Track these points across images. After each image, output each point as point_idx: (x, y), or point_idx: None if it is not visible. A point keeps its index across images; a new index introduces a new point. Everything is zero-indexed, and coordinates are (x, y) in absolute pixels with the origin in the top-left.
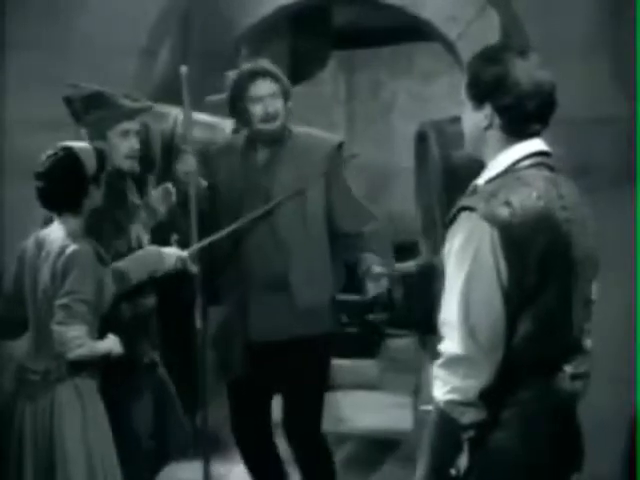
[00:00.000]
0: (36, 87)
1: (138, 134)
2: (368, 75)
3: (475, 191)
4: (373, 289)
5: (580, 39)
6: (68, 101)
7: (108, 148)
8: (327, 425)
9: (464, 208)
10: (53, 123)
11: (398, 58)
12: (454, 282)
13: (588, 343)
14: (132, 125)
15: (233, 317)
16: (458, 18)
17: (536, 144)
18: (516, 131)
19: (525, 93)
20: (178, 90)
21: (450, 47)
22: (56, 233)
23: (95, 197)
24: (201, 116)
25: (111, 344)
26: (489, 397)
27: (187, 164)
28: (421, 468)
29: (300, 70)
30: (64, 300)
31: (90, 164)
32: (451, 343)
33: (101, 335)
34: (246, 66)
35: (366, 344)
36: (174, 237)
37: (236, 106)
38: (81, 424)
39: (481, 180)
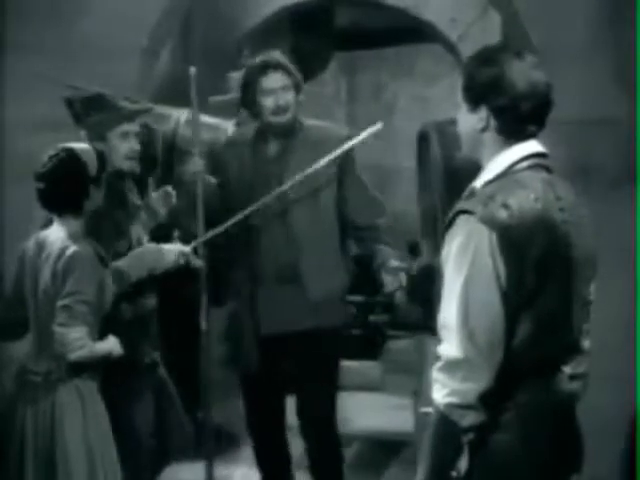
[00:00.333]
0: (37, 88)
1: (138, 136)
2: (370, 76)
3: (473, 194)
4: (391, 284)
5: (580, 40)
6: (69, 103)
7: (108, 149)
8: None
9: (462, 212)
10: (54, 124)
11: (400, 59)
12: (453, 285)
13: (586, 344)
14: (132, 127)
15: (244, 310)
16: (459, 20)
17: (533, 146)
18: (512, 133)
19: (521, 94)
20: (180, 91)
21: (451, 49)
22: (56, 234)
23: (95, 198)
24: (203, 117)
25: (111, 345)
26: (489, 400)
27: (194, 165)
28: (422, 470)
29: (301, 71)
30: (65, 301)
31: (92, 165)
32: (450, 346)
33: (101, 336)
34: (258, 58)
35: (368, 345)
36: (176, 233)
37: (247, 98)
38: (82, 425)
39: (478, 183)
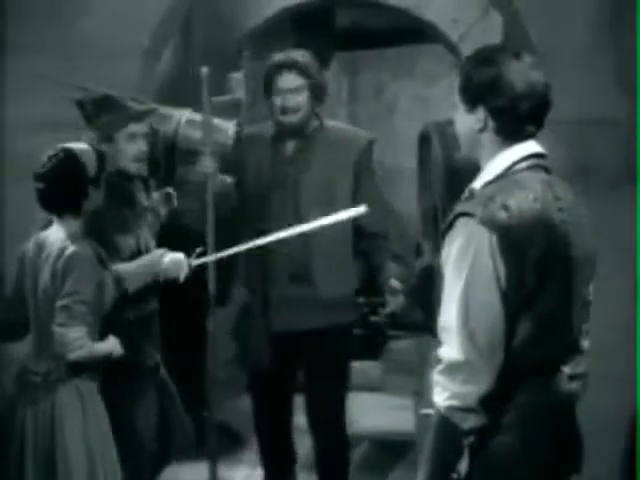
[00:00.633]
0: (37, 88)
1: (146, 137)
2: (371, 76)
3: (472, 196)
4: (392, 304)
5: (581, 40)
6: (80, 104)
7: (114, 150)
8: None
9: (461, 214)
10: (54, 124)
11: (401, 60)
12: (453, 288)
13: (586, 344)
14: (140, 128)
15: (256, 308)
16: (461, 20)
17: (531, 146)
18: (511, 133)
19: (519, 95)
20: (180, 91)
21: (452, 49)
22: (56, 235)
23: (95, 198)
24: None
25: (111, 346)
26: (489, 402)
27: (204, 166)
28: (422, 472)
29: None
30: (64, 301)
31: (91, 166)
32: (451, 349)
33: (103, 336)
34: (276, 57)
35: (369, 345)
36: (198, 249)
37: (267, 96)
38: (82, 425)
39: (477, 184)
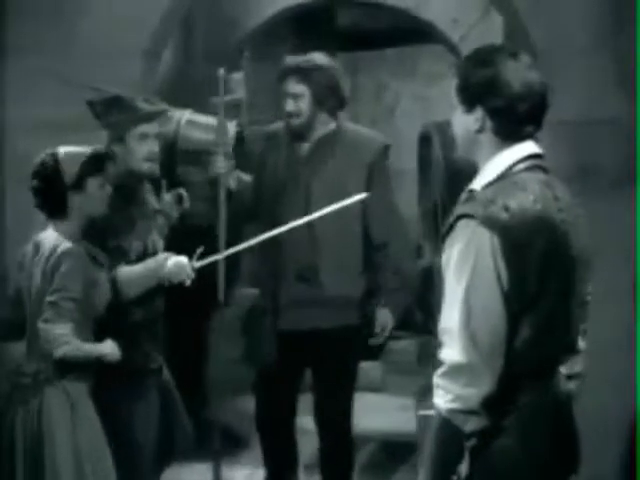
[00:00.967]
0: (38, 89)
1: (157, 137)
2: (371, 77)
3: (472, 197)
4: (379, 326)
5: (581, 41)
6: (90, 104)
7: (125, 151)
8: None
9: (462, 216)
10: (54, 125)
11: (401, 60)
12: (454, 290)
13: (582, 344)
14: (151, 128)
15: (266, 305)
16: (461, 21)
17: (530, 147)
18: (509, 134)
19: (516, 95)
20: (181, 92)
21: (453, 49)
22: (50, 235)
23: (79, 202)
24: (203, 118)
25: (105, 349)
26: (491, 404)
27: (217, 166)
28: (423, 475)
29: None
30: (52, 297)
31: (70, 171)
32: (452, 351)
33: (101, 338)
34: (286, 60)
35: (369, 346)
36: (199, 250)
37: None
38: (69, 426)
39: (477, 185)
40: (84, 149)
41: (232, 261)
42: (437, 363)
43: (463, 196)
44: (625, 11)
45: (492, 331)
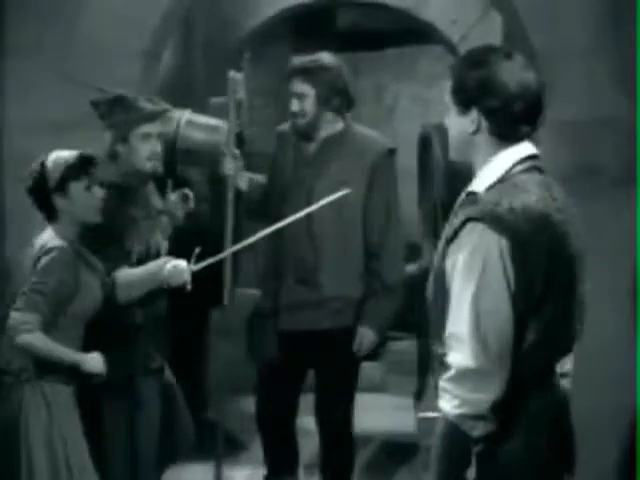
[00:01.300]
0: (37, 90)
1: (160, 137)
2: (371, 78)
3: (476, 200)
4: (358, 345)
5: (581, 41)
6: (95, 105)
7: (129, 150)
8: None
9: (469, 219)
10: (54, 125)
11: (401, 61)
12: (463, 294)
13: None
14: (153, 128)
15: (267, 305)
16: (461, 21)
17: (527, 148)
18: (505, 134)
19: (512, 95)
20: (181, 92)
21: (453, 50)
22: (46, 236)
23: (64, 205)
24: (203, 118)
25: (85, 360)
26: (500, 408)
27: (226, 167)
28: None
29: None
30: (25, 288)
31: (53, 175)
32: (461, 356)
33: (101, 340)
34: (294, 60)
35: None
36: (197, 250)
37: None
38: (45, 426)
39: (480, 187)
40: (65, 153)
41: (233, 262)
42: (435, 365)
43: (462, 198)
44: (625, 11)
45: (501, 334)
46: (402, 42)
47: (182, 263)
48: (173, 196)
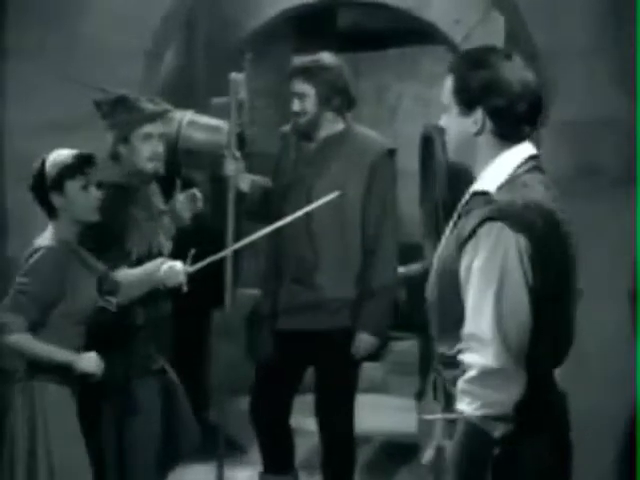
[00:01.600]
0: (38, 90)
1: (161, 137)
2: (373, 78)
3: (490, 200)
4: (357, 350)
5: (582, 41)
6: (98, 105)
7: (130, 151)
8: None
9: (487, 219)
10: (55, 126)
11: (403, 61)
12: (483, 294)
13: None
14: (155, 128)
15: (266, 303)
16: (463, 21)
17: (528, 148)
18: (508, 135)
19: (516, 94)
20: (183, 93)
21: (455, 50)
22: (44, 236)
23: (61, 204)
24: (205, 118)
25: (78, 360)
26: (522, 408)
27: (228, 168)
28: None
29: None
30: (11, 290)
31: (51, 174)
32: (482, 356)
33: (101, 341)
34: (294, 60)
35: None
36: (192, 251)
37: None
38: (28, 428)
39: (492, 187)
40: (63, 151)
41: (234, 262)
42: (436, 365)
43: (467, 198)
44: (625, 11)
45: (522, 333)
46: (404, 42)
47: (178, 264)
48: (181, 196)
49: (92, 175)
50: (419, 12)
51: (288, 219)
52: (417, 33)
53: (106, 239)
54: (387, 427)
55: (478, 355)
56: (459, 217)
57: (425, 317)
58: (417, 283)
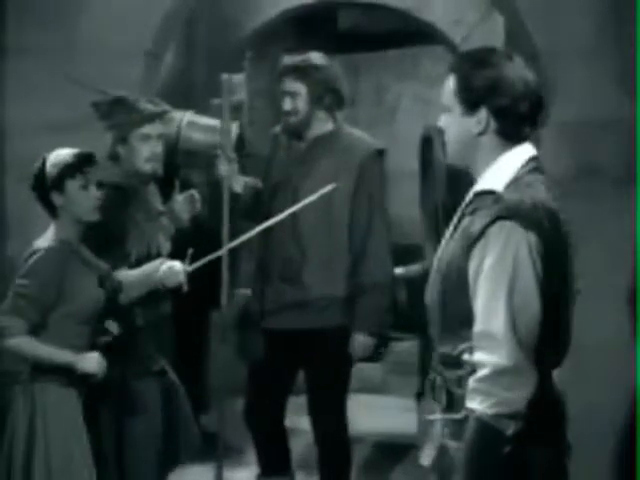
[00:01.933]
0: (39, 90)
1: (160, 138)
2: (373, 79)
3: (498, 199)
4: (356, 353)
5: (582, 41)
6: (96, 106)
7: (129, 151)
8: None
9: (497, 218)
10: (55, 126)
11: (403, 62)
12: (495, 293)
13: None
14: (153, 129)
15: (255, 303)
16: (463, 21)
17: (530, 149)
18: (510, 135)
19: (519, 94)
20: (182, 93)
21: (455, 50)
22: (45, 236)
23: (62, 203)
24: (205, 119)
25: (81, 361)
26: (534, 405)
27: (221, 169)
28: None
29: None
30: (10, 292)
31: (51, 173)
32: (495, 355)
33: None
34: (284, 59)
35: None
36: (190, 251)
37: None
38: (26, 429)
39: (499, 186)
40: (64, 150)
41: (230, 263)
42: (436, 366)
43: (471, 198)
44: (625, 11)
45: (533, 330)
46: (404, 43)
47: (177, 264)
48: (180, 198)
49: (92, 174)
50: (419, 12)
51: (277, 218)
52: (417, 33)
53: (106, 240)
54: (387, 427)
55: (490, 353)
56: (462, 217)
57: (425, 317)
58: (417, 284)
